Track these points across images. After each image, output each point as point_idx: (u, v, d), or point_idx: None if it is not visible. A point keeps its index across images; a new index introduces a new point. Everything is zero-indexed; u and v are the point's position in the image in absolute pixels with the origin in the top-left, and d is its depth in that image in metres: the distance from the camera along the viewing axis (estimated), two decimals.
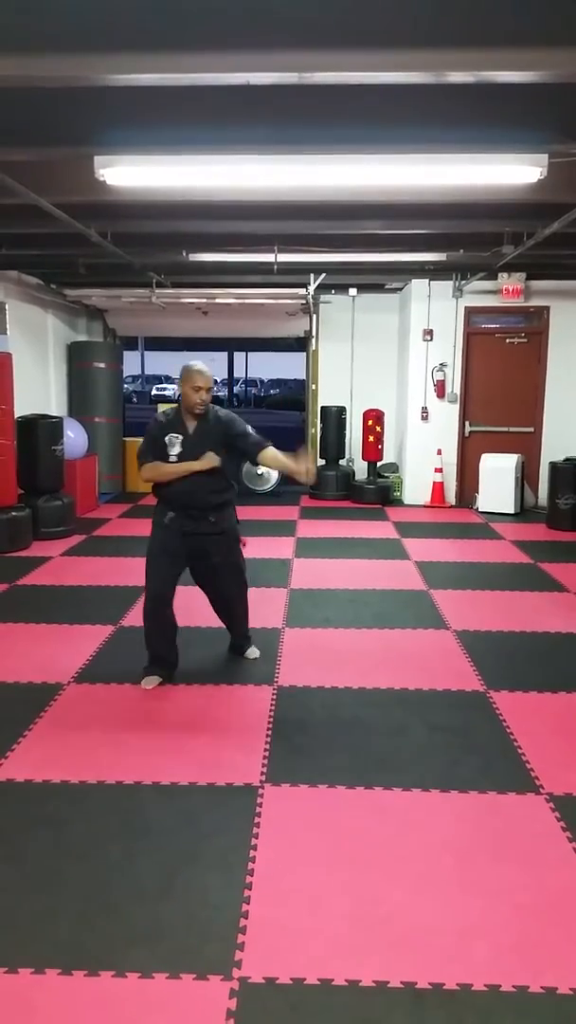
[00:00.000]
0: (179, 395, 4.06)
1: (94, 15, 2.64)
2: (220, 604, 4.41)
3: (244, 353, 35.63)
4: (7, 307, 8.38)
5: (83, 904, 2.40)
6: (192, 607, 5.37)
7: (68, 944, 2.23)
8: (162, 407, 10.86)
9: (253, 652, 4.49)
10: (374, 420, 9.73)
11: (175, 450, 3.95)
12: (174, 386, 33.94)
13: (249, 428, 4.06)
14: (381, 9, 2.62)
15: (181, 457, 3.95)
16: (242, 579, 4.38)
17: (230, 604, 4.40)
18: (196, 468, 3.93)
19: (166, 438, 3.97)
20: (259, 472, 10.31)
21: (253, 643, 4.54)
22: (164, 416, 4.06)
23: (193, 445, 3.96)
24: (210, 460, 3.93)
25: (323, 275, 8.75)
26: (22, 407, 7.74)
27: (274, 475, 10.26)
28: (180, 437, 3.96)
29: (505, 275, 8.74)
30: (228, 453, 4.03)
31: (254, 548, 7.26)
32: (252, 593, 4.49)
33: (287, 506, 9.59)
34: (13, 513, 7.05)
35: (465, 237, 6.79)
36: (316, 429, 10.31)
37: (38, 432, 7.65)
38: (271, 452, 4.02)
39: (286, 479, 9.37)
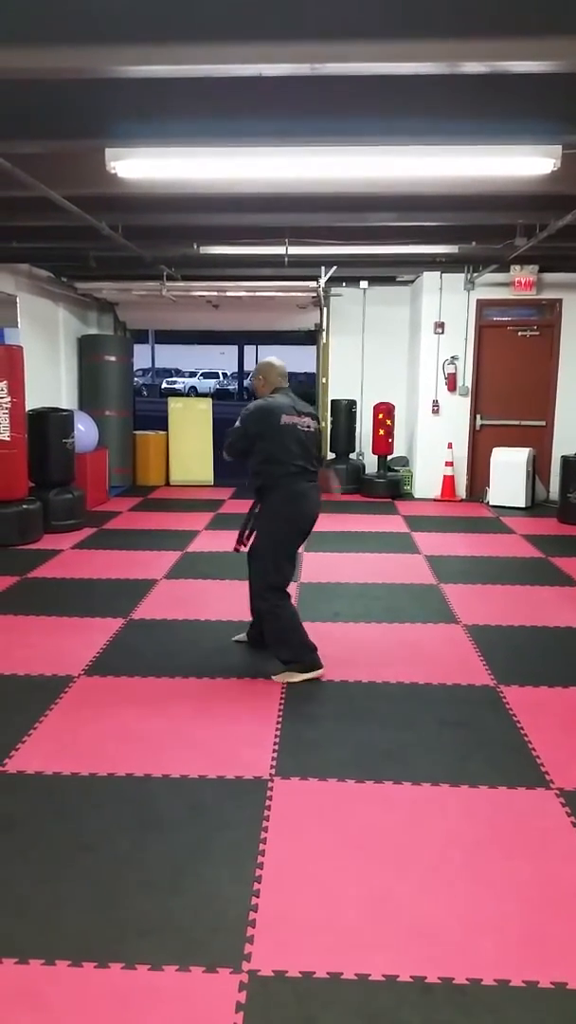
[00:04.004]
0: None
1: (105, 6, 2.63)
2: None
3: (254, 346, 35.56)
4: (18, 300, 8.40)
5: (93, 896, 2.41)
6: (202, 600, 5.39)
7: (78, 936, 2.24)
8: (172, 400, 10.98)
9: (283, 677, 4.07)
10: (384, 413, 9.70)
11: None
12: (184, 379, 34.06)
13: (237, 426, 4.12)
14: None
15: None
16: (258, 575, 4.20)
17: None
18: None
19: None
20: None
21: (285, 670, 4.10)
22: None
23: None
24: None
25: (334, 268, 8.71)
26: (33, 400, 7.76)
27: None
28: None
29: (517, 267, 8.68)
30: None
31: None
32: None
33: None
34: (24, 506, 7.07)
35: (477, 229, 6.74)
36: (326, 423, 10.29)
37: (49, 425, 7.66)
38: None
39: None
